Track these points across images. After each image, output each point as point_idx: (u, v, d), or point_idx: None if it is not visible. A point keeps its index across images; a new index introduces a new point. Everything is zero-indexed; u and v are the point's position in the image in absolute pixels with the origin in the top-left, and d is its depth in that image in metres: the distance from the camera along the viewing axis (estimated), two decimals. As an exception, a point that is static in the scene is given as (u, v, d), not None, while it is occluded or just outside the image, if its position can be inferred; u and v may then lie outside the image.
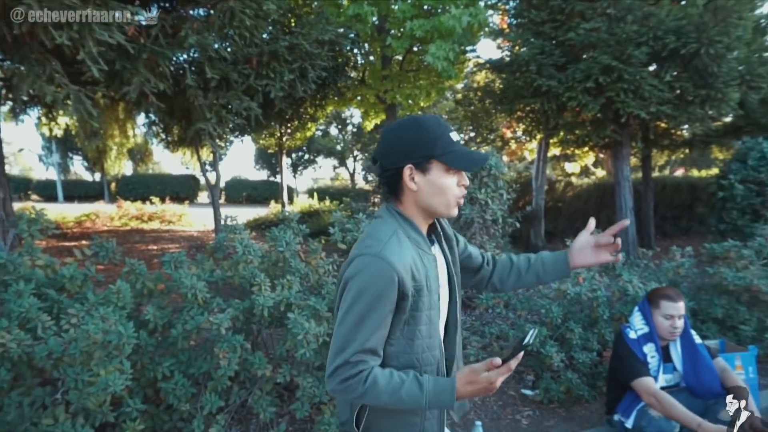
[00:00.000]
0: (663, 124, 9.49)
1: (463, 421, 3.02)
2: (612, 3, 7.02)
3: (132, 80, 5.21)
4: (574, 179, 15.41)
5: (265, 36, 6.42)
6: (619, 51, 6.90)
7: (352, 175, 31.96)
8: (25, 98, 6.39)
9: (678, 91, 7.43)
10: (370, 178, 6.59)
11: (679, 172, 23.32)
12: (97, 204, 15.63)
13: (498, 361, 1.17)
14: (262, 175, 35.20)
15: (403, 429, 1.32)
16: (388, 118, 10.96)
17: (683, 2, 7.44)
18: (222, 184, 29.29)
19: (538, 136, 10.29)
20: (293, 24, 7.21)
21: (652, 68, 7.50)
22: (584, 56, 7.50)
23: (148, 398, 2.59)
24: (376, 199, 6.28)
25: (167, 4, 6.17)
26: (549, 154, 11.54)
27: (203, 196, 30.64)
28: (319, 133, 28.41)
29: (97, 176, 32.33)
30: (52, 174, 31.39)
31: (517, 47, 8.60)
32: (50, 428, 2.12)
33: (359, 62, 10.48)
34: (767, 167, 7.05)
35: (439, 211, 1.32)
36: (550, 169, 15.17)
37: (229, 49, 6.01)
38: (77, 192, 30.04)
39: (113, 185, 29.43)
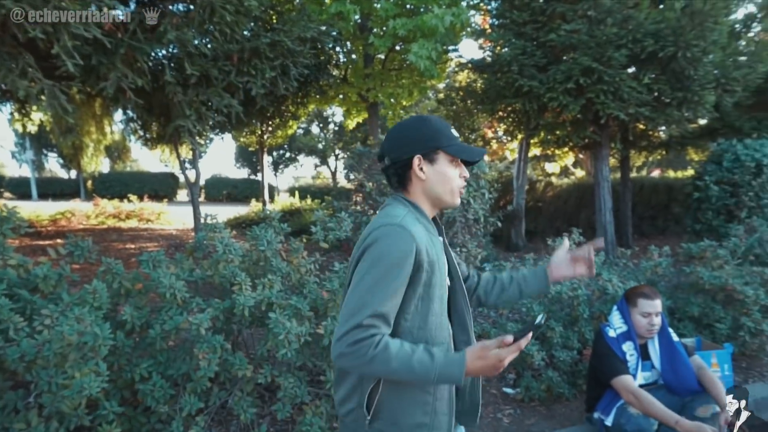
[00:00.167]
0: (641, 126, 9.64)
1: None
2: (592, 5, 7.10)
3: (109, 75, 5.10)
4: (554, 179, 15.58)
5: (246, 32, 6.34)
6: (599, 53, 6.99)
7: (333, 174, 31.84)
8: (-3, 93, 6.22)
9: (656, 94, 7.55)
10: (351, 176, 6.55)
11: (656, 173, 23.76)
12: (72, 202, 15.29)
13: (509, 338, 1.19)
14: (243, 173, 34.94)
15: (414, 409, 1.32)
16: (370, 117, 10.94)
17: (661, 6, 7.56)
18: (202, 182, 28.92)
19: (519, 136, 10.37)
20: (275, 21, 7.14)
21: (631, 70, 7.61)
22: (565, 57, 7.57)
23: (125, 400, 2.53)
24: (358, 198, 6.26)
25: (146, -1, 6.06)
26: (530, 154, 11.63)
27: (182, 194, 30.22)
28: (300, 131, 28.28)
29: (73, 174, 31.70)
30: (25, 171, 30.71)
31: (498, 48, 8.65)
32: (22, 432, 2.06)
33: (341, 60, 10.43)
34: (741, 169, 7.22)
35: (444, 199, 1.42)
36: (530, 169, 15.30)
37: (209, 45, 5.93)
38: (52, 190, 29.37)
39: (90, 183, 28.87)
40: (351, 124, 13.16)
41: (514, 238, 10.06)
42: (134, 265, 6.42)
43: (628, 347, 2.73)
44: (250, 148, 18.52)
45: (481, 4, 9.46)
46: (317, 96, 10.23)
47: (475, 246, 5.11)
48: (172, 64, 5.91)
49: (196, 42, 5.60)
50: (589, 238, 6.37)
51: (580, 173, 20.94)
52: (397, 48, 9.59)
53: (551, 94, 7.36)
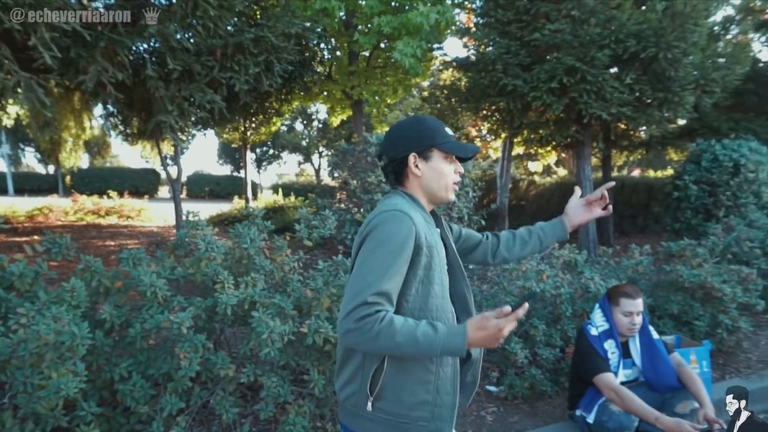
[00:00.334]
0: (623, 126, 9.76)
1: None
2: (576, 5, 7.16)
3: (88, 69, 4.99)
4: (536, 178, 15.72)
5: (229, 28, 6.26)
6: (583, 53, 7.05)
7: (317, 172, 31.74)
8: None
9: (637, 94, 7.65)
10: (336, 174, 6.53)
11: (636, 173, 24.11)
12: (50, 198, 15.00)
13: (508, 308, 1.24)
14: (226, 170, 34.62)
15: (418, 387, 1.37)
16: (355, 115, 10.91)
17: (643, 7, 7.65)
18: (184, 179, 28.62)
19: (503, 135, 10.43)
20: (259, 16, 7.06)
21: (613, 70, 7.70)
22: (549, 57, 7.63)
23: (104, 401, 2.48)
24: (342, 196, 6.23)
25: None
26: (513, 153, 11.72)
27: (164, 191, 29.86)
28: (284, 128, 28.10)
29: (51, 169, 31.06)
30: (1, 166, 29.98)
31: (483, 46, 8.68)
32: (-3, 434, 2.01)
33: (326, 57, 10.38)
34: (719, 169, 7.35)
35: (439, 194, 1.50)
36: (513, 167, 15.42)
37: (192, 40, 5.84)
38: (29, 185, 28.75)
39: (68, 178, 28.33)
40: (335, 121, 13.11)
41: (498, 236, 10.11)
42: (114, 263, 6.30)
43: (609, 345, 2.76)
44: (233, 145, 18.35)
45: (466, 3, 9.48)
46: (301, 93, 10.18)
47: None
48: (154, 59, 5.81)
49: (178, 36, 5.51)
50: (572, 236, 6.43)
51: (562, 172, 21.16)
52: (382, 45, 9.57)
53: (535, 93, 7.41)
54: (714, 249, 4.71)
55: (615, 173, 19.52)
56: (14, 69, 4.57)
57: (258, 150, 30.12)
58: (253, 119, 12.51)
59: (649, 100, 7.75)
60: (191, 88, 5.99)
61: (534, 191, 13.10)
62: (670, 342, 3.24)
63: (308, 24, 7.70)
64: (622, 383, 2.68)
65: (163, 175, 24.79)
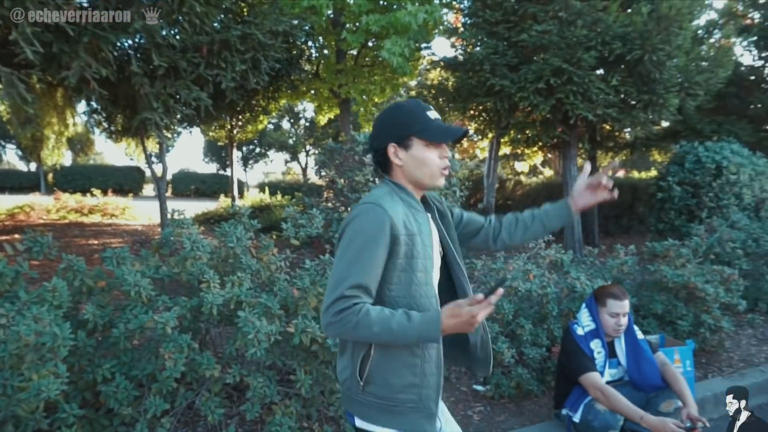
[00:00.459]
0: (608, 127, 9.86)
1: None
2: (563, 7, 7.20)
3: (71, 64, 4.90)
4: (523, 178, 15.82)
5: (216, 24, 6.20)
6: (570, 54, 7.10)
7: (304, 170, 31.61)
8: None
9: (623, 96, 7.73)
10: (323, 173, 6.51)
11: (621, 173, 24.37)
12: (32, 196, 14.75)
13: (480, 296, 1.26)
14: (212, 168, 34.32)
15: (405, 370, 1.41)
16: (342, 113, 10.88)
17: (629, 10, 7.73)
18: (169, 177, 28.33)
19: (490, 135, 10.46)
20: (246, 13, 7.00)
21: (599, 72, 7.76)
22: (536, 58, 7.67)
23: (86, 402, 2.44)
24: (329, 195, 6.21)
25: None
26: (500, 153, 11.77)
27: (149, 189, 29.51)
28: (270, 126, 27.95)
29: (33, 166, 30.57)
30: (-19, 163, 29.44)
31: (470, 46, 8.70)
32: (-25, 438, 1.97)
33: (314, 55, 10.34)
34: (702, 171, 7.44)
35: (424, 182, 1.48)
36: (500, 167, 15.50)
37: (177, 36, 5.76)
38: (10, 183, 28.26)
39: (50, 176, 27.89)
40: (322, 120, 13.06)
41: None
42: (97, 262, 6.22)
43: (596, 345, 2.78)
44: (219, 143, 18.22)
45: (454, 3, 9.50)
46: (288, 91, 10.12)
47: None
48: (139, 55, 5.73)
49: (164, 32, 5.44)
50: (557, 236, 6.49)
51: (548, 172, 21.33)
52: (370, 44, 9.56)
53: (522, 94, 7.45)
54: (697, 249, 4.77)
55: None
56: (-5, 64, 4.49)
57: (244, 148, 29.92)
58: (240, 117, 12.42)
59: (634, 102, 7.83)
60: (177, 85, 5.92)
61: (520, 191, 13.19)
62: (655, 341, 3.27)
63: (296, 22, 7.65)
64: (608, 382, 2.70)
65: (148, 173, 24.52)
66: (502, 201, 12.09)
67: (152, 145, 9.72)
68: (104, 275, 2.66)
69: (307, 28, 8.30)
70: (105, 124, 8.65)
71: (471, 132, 13.14)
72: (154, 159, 8.42)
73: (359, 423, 1.46)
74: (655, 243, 4.65)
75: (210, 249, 2.89)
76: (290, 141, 29.75)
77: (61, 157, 27.52)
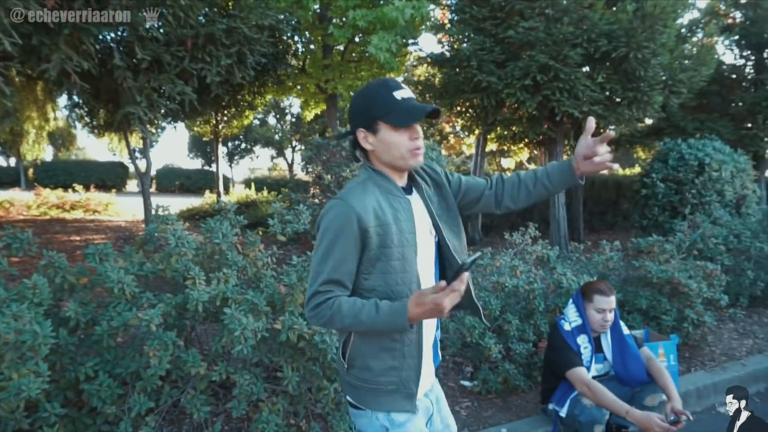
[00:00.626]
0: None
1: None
2: (550, 3, 7.24)
3: (51, 57, 4.80)
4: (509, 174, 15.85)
5: (201, 17, 6.11)
6: (556, 51, 7.14)
7: (290, 166, 31.39)
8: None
9: (608, 93, 7.80)
10: (309, 168, 6.47)
11: (605, 170, 24.58)
12: (11, 191, 14.47)
13: (443, 283, 1.24)
14: (197, 163, 33.95)
15: (384, 354, 1.44)
16: (329, 109, 10.82)
17: (615, 8, 7.79)
18: (153, 172, 27.95)
19: (477, 132, 10.50)
20: (231, 6, 6.91)
21: (585, 69, 7.82)
22: (523, 55, 7.70)
23: (68, 401, 2.40)
24: (316, 190, 6.18)
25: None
26: (486, 149, 11.81)
27: (132, 185, 29.08)
28: (256, 121, 27.68)
29: (12, 161, 29.97)
30: (-42, 157, 28.80)
31: (457, 43, 8.70)
32: (-48, 438, 1.92)
33: (300, 50, 10.25)
34: (685, 167, 7.54)
35: (396, 164, 1.46)
36: (486, 164, 15.56)
37: (161, 30, 5.68)
38: (-12, 178, 27.71)
39: (31, 171, 27.38)
40: (309, 115, 13.00)
41: (471, 231, 10.20)
42: (79, 259, 6.12)
43: (582, 340, 2.80)
44: (204, 138, 18.03)
45: (441, -1, 9.49)
46: (274, 86, 10.02)
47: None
48: (122, 48, 5.63)
49: (147, 25, 5.35)
50: (544, 232, 6.52)
51: (532, 167, 21.43)
52: (357, 39, 9.50)
53: (509, 90, 7.47)
54: (680, 245, 4.83)
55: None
56: (-28, 55, 4.38)
57: (230, 144, 29.59)
58: (225, 112, 12.30)
59: (619, 99, 7.90)
60: (161, 78, 5.82)
61: (506, 188, 13.27)
62: (640, 336, 3.30)
63: (282, 16, 7.58)
64: (594, 377, 2.72)
65: (132, 169, 24.20)
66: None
67: (136, 140, 9.57)
68: (87, 272, 2.61)
69: (293, 22, 8.23)
70: (87, 119, 8.51)
71: (458, 128, 13.19)
72: (137, 154, 8.33)
73: (349, 398, 1.53)
74: (639, 239, 4.69)
75: (195, 245, 2.84)
76: (276, 137, 29.50)
77: (41, 152, 26.94)
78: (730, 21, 11.57)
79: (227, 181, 26.03)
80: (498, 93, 7.66)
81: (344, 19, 8.17)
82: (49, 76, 4.97)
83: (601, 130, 10.79)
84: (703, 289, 4.08)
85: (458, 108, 9.54)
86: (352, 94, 10.33)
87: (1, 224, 9.45)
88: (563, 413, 2.72)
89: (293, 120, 27.90)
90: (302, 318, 2.52)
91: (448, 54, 9.23)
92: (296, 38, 9.55)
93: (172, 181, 29.97)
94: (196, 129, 15.16)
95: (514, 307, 3.78)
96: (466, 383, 3.55)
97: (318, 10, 9.04)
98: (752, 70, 11.85)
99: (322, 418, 2.88)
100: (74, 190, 13.97)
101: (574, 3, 7.25)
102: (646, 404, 2.67)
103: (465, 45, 8.09)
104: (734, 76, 11.81)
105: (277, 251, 3.15)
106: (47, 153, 29.26)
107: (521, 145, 11.66)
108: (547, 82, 7.25)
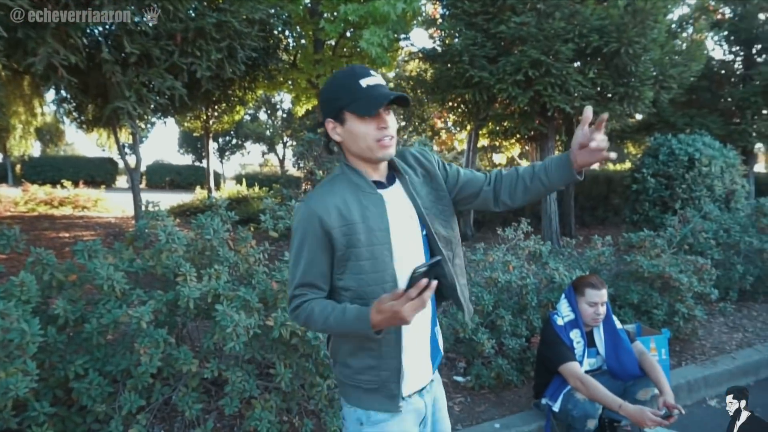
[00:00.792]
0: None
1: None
2: (541, -1, 7.24)
3: (38, 51, 4.73)
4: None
5: (190, 11, 6.04)
6: (548, 46, 7.14)
7: (282, 162, 31.28)
8: None
9: (599, 88, 7.81)
10: (301, 164, 6.44)
11: (596, 165, 24.72)
12: (-2, 187, 14.29)
13: (399, 291, 1.20)
14: (187, 159, 33.66)
15: (362, 353, 1.42)
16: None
17: (606, 3, 7.81)
18: (143, 168, 27.72)
19: (469, 127, 10.50)
20: (221, 0, 6.85)
21: (577, 64, 7.83)
22: (514, 50, 7.69)
23: (58, 399, 2.37)
24: (307, 186, 6.15)
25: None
26: (478, 145, 11.82)
27: (122, 181, 28.83)
28: (247, 117, 27.53)
29: (-1, 157, 29.59)
30: (-56, 153, 28.36)
31: (449, 38, 8.68)
32: (-61, 439, 1.89)
33: (291, 45, 10.19)
34: (675, 163, 7.58)
35: (366, 155, 1.39)
36: (478, 159, 15.58)
37: (150, 23, 5.61)
38: (-26, 174, 27.32)
39: (18, 167, 27.05)
40: (300, 111, 12.91)
41: (463, 227, 10.21)
42: (68, 255, 6.05)
43: (575, 335, 2.81)
44: (195, 134, 17.90)
45: (433, -7, 9.46)
46: (265, 81, 9.95)
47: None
48: (110, 42, 5.55)
49: (136, 19, 5.28)
50: (536, 227, 6.55)
51: (526, 164, 21.49)
52: (348, 34, 9.45)
53: (501, 86, 7.47)
54: (671, 240, 4.86)
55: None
56: (-44, 49, 4.30)
57: (220, 139, 29.41)
58: (216, 107, 12.22)
59: (610, 95, 7.92)
60: (150, 73, 5.75)
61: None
62: (632, 331, 3.32)
63: (273, 10, 7.52)
64: (587, 372, 2.73)
65: (121, 165, 23.97)
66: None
67: (125, 136, 9.47)
68: (75, 269, 2.57)
69: (284, 16, 8.16)
70: (75, 114, 8.40)
71: (449, 124, 13.17)
72: (127, 150, 8.24)
73: (338, 389, 1.57)
74: (630, 234, 4.71)
75: (186, 241, 2.82)
76: (267, 132, 29.38)
77: (29, 147, 26.64)
78: (719, 17, 11.65)
79: (218, 177, 25.88)
80: (490, 88, 7.65)
81: (335, 13, 8.12)
82: (35, 70, 4.89)
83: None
84: (694, 283, 4.10)
85: (450, 103, 9.53)
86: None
87: (-12, 221, 9.34)
88: (556, 408, 2.72)
89: (284, 115, 27.77)
90: (295, 314, 2.50)
91: (439, 49, 9.21)
92: (287, 33, 9.49)
93: (163, 176, 29.78)
94: (186, 124, 15.06)
95: (506, 302, 3.79)
96: (459, 379, 3.55)
97: (309, 5, 8.99)
98: (741, 66, 11.96)
99: (315, 415, 2.87)
100: (63, 186, 13.85)
101: (566, -2, 7.26)
102: (638, 398, 2.68)
103: (457, 40, 8.07)
104: (723, 71, 11.91)
105: (268, 247, 3.13)
106: (35, 149, 28.93)
107: (513, 140, 11.68)
108: (538, 77, 7.25)
